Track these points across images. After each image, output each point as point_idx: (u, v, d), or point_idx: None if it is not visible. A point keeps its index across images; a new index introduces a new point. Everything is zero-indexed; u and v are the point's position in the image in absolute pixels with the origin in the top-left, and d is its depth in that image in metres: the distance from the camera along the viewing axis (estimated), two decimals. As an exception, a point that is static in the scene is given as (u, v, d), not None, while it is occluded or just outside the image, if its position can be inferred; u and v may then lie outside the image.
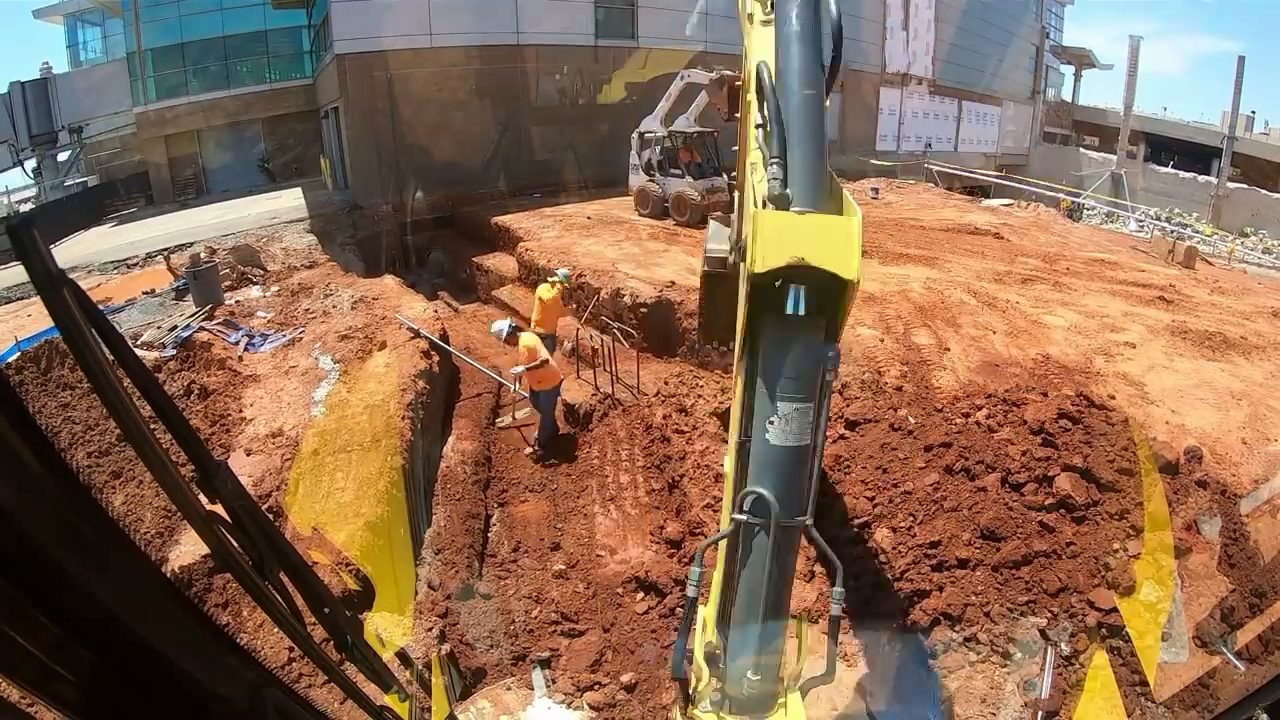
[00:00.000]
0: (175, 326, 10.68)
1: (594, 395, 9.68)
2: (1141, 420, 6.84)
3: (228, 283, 12.74)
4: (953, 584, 5.80)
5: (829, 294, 2.02)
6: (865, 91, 30.74)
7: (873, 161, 27.46)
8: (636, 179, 17.18)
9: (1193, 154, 33.73)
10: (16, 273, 12.37)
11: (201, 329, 10.60)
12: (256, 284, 13.26)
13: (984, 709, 5.02)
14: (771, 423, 1.98)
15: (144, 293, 12.64)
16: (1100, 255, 14.80)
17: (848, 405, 7.68)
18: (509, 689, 5.32)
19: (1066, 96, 42.70)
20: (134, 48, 23.15)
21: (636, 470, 8.37)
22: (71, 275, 1.01)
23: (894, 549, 6.16)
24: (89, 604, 0.95)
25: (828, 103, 2.31)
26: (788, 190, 2.01)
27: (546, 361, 8.53)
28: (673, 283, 11.21)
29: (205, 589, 5.48)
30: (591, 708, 5.33)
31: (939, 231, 16.38)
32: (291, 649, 4.25)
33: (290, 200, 19.79)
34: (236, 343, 10.13)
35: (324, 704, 3.52)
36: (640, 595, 6.74)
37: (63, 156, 25.51)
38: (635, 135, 17.22)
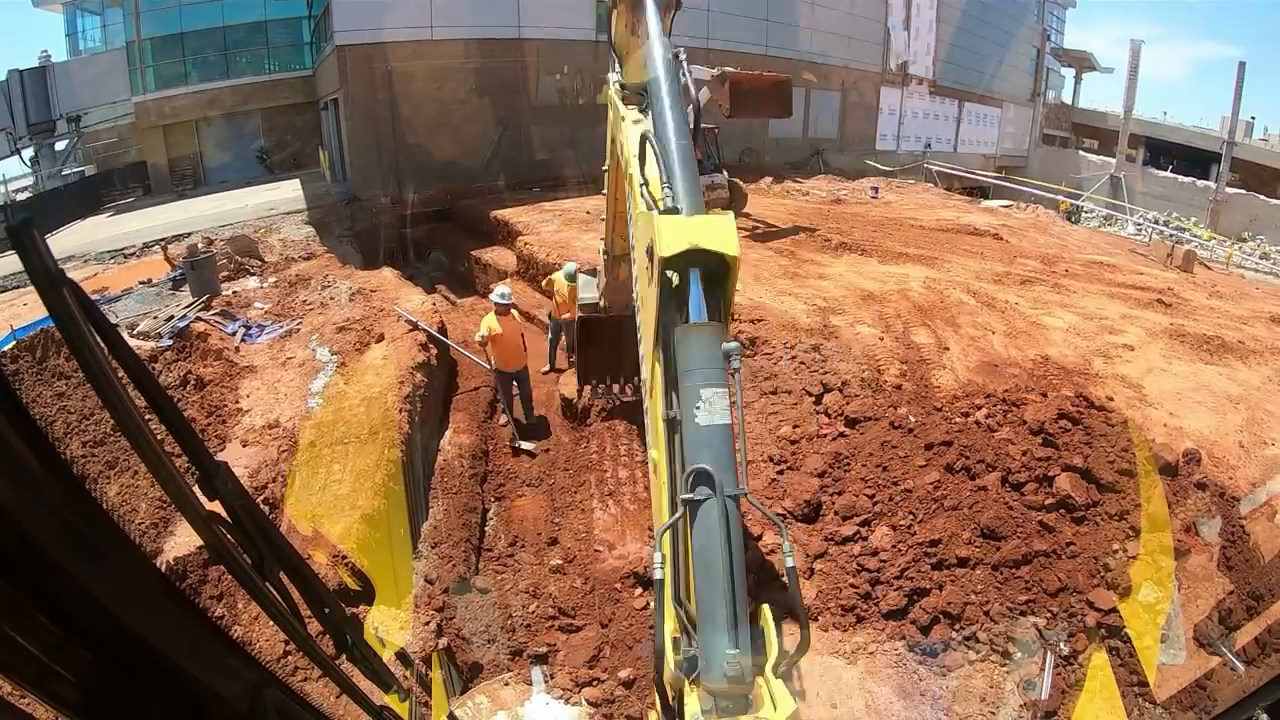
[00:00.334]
0: (172, 317, 10.62)
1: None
2: (1140, 422, 6.84)
3: (225, 273, 12.67)
4: (953, 583, 5.80)
5: (717, 276, 2.54)
6: (865, 91, 30.71)
7: (869, 162, 27.44)
8: (637, 175, 17.12)
9: (1192, 158, 33.77)
10: (11, 261, 12.29)
11: (198, 319, 10.54)
12: (254, 275, 13.19)
13: (983, 708, 5.03)
14: (698, 407, 2.35)
15: (141, 283, 12.57)
16: (1099, 258, 14.82)
17: (848, 403, 7.66)
18: (506, 684, 5.31)
19: (1067, 99, 42.70)
20: (133, 37, 22.99)
21: (635, 465, 8.35)
22: (68, 264, 1.00)
23: (894, 547, 6.16)
24: (89, 604, 0.93)
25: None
26: (677, 205, 2.71)
27: (498, 338, 8.79)
28: (672, 279, 11.16)
29: (200, 581, 5.44)
30: (589, 703, 5.32)
31: (938, 232, 16.38)
32: (288, 643, 4.23)
33: (288, 192, 19.71)
34: (233, 333, 10.08)
35: (323, 703, 3.49)
36: (638, 591, 6.72)
37: (60, 146, 25.38)
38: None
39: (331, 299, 11.34)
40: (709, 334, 2.46)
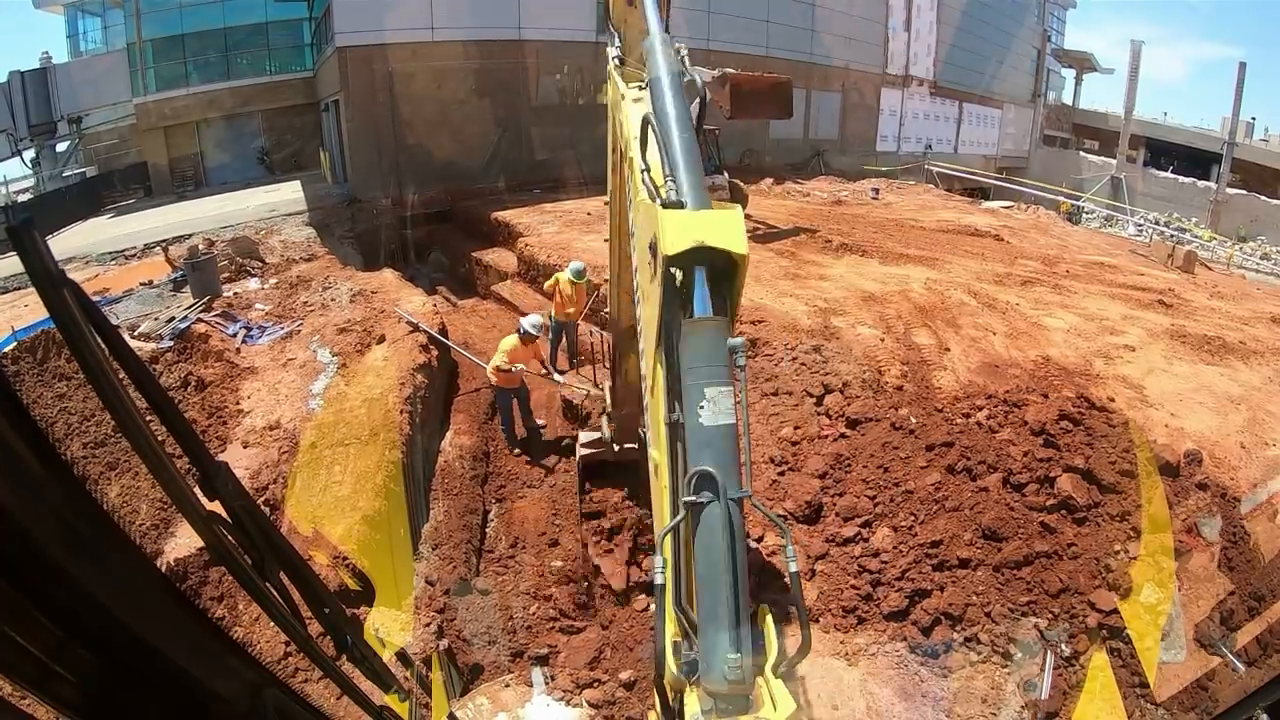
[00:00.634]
0: (173, 318, 10.63)
1: (593, 390, 9.65)
2: (1141, 423, 6.83)
3: (226, 275, 12.68)
4: (954, 584, 5.80)
5: (724, 274, 2.46)
6: (866, 92, 30.71)
7: (863, 166, 27.42)
8: (637, 176, 17.13)
9: (1192, 159, 33.77)
10: (13, 263, 12.30)
11: (199, 321, 10.55)
12: (255, 276, 13.19)
13: (984, 709, 5.02)
14: (702, 407, 2.29)
15: (142, 284, 12.58)
16: (1099, 258, 14.81)
17: (849, 404, 7.66)
18: (507, 686, 5.30)
19: (1067, 100, 42.71)
20: (134, 38, 23.01)
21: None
22: (69, 266, 1.00)
23: (895, 548, 6.15)
24: (89, 604, 0.93)
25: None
26: (681, 199, 2.56)
27: (510, 368, 8.49)
28: (673, 280, 11.16)
29: (201, 582, 5.45)
30: (590, 705, 5.31)
31: (939, 233, 16.38)
32: (288, 644, 4.22)
33: (289, 193, 19.72)
34: (234, 335, 10.08)
35: (323, 703, 3.49)
36: (639, 593, 6.71)
37: (61, 147, 25.39)
38: (636, 131, 17.16)
39: (332, 300, 11.35)
40: (714, 330, 2.38)
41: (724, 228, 2.42)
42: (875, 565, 6.12)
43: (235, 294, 11.90)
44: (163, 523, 6.29)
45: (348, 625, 1.85)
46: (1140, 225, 26.50)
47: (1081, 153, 37.38)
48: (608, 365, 9.83)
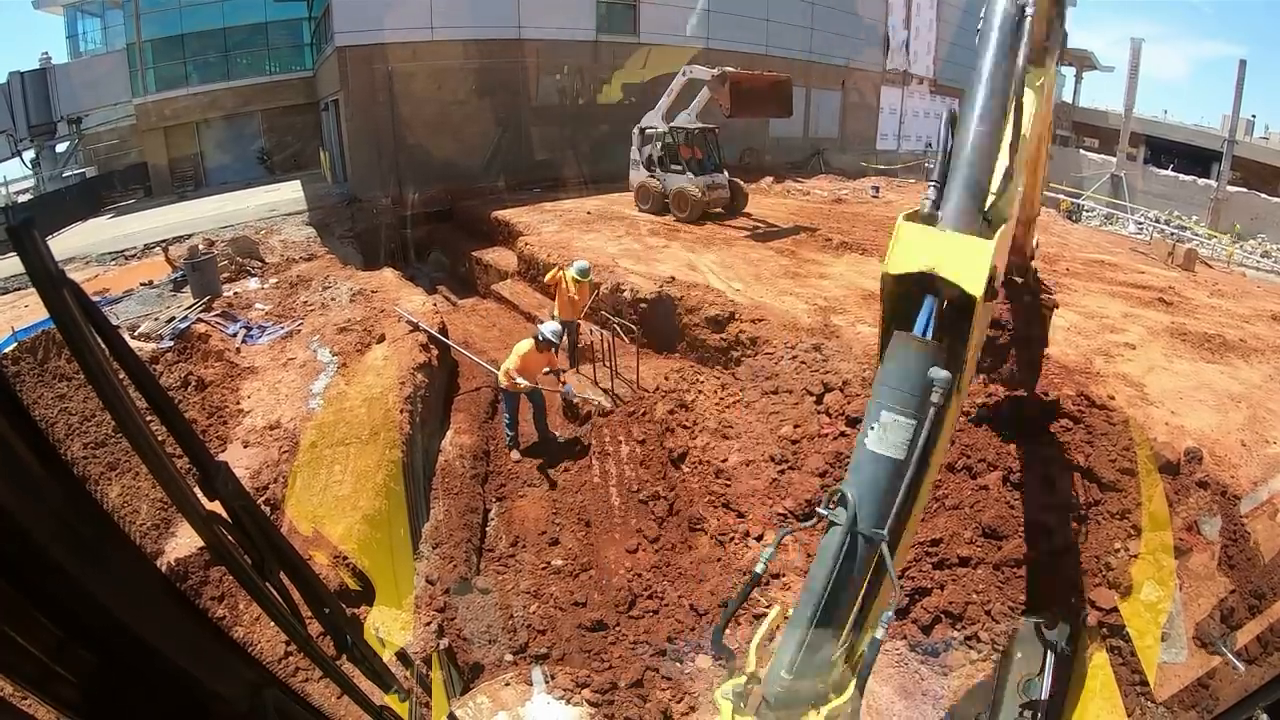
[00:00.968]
0: (173, 318, 10.63)
1: (594, 390, 9.66)
2: (1141, 421, 6.82)
3: (226, 275, 12.69)
4: (954, 582, 5.80)
5: (960, 312, 2.12)
6: (866, 90, 30.71)
7: (863, 164, 27.42)
8: (637, 174, 17.16)
9: (1193, 157, 33.70)
10: (13, 264, 12.30)
11: (199, 320, 10.56)
12: (255, 276, 13.21)
13: (984, 708, 5.02)
14: (873, 428, 2.07)
15: (142, 284, 12.59)
16: (1100, 256, 14.81)
17: (849, 402, 7.66)
18: (507, 685, 5.29)
19: (1067, 98, 42.66)
20: (134, 39, 23.03)
21: (637, 465, 8.34)
22: (69, 266, 1.00)
23: (894, 548, 6.14)
24: (89, 604, 0.93)
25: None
26: (938, 211, 2.20)
27: (522, 370, 8.42)
28: (673, 278, 11.18)
29: (201, 582, 5.45)
30: (590, 704, 5.31)
31: (939, 230, 16.33)
32: (288, 643, 4.23)
33: (289, 193, 19.73)
34: (234, 334, 10.09)
35: (323, 703, 3.50)
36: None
37: (61, 148, 25.42)
38: (636, 131, 17.19)
39: (332, 300, 11.35)
40: (920, 353, 2.08)
41: (963, 257, 2.07)
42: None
43: (235, 294, 11.91)
44: (163, 523, 6.29)
45: (348, 625, 1.85)
46: (1140, 223, 26.49)
47: (1081, 151, 37.33)
48: (608, 365, 9.84)
